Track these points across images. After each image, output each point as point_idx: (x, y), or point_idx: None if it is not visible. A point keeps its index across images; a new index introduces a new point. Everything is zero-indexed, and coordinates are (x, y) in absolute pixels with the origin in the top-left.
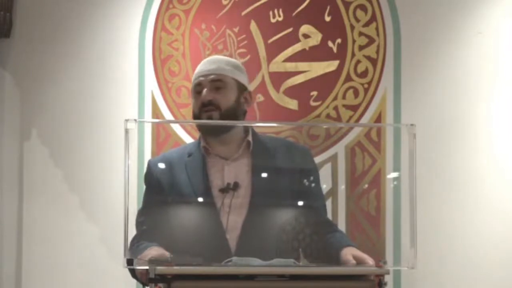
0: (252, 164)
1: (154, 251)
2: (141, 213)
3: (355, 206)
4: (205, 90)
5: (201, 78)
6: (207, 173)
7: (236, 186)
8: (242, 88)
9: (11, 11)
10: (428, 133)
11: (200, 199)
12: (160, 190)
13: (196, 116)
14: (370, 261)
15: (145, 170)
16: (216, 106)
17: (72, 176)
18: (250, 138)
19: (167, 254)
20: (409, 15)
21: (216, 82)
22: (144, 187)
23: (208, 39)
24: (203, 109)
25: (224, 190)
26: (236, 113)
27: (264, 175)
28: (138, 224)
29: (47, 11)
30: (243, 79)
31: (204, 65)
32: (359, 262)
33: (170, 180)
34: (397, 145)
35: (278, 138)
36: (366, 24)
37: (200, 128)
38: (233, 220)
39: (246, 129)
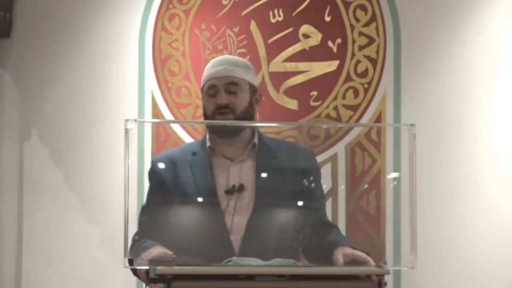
0: (257, 166)
1: (158, 250)
2: (144, 211)
3: (355, 206)
4: (220, 94)
5: (214, 81)
6: (213, 173)
7: (241, 188)
8: (253, 89)
9: (11, 11)
10: (428, 133)
11: (205, 199)
12: (164, 188)
13: (208, 118)
14: (363, 259)
15: (149, 167)
16: (231, 109)
17: (72, 176)
18: (256, 140)
19: (170, 253)
20: (409, 15)
21: (231, 85)
22: (148, 184)
23: (208, 39)
24: (217, 111)
25: (229, 192)
26: (249, 114)
27: (269, 177)
28: (141, 221)
29: (47, 11)
30: (254, 79)
31: (215, 66)
32: (353, 260)
33: (175, 178)
34: (397, 145)
35: (282, 141)
36: (366, 24)
37: (212, 128)
38: (238, 221)
39: (253, 131)
